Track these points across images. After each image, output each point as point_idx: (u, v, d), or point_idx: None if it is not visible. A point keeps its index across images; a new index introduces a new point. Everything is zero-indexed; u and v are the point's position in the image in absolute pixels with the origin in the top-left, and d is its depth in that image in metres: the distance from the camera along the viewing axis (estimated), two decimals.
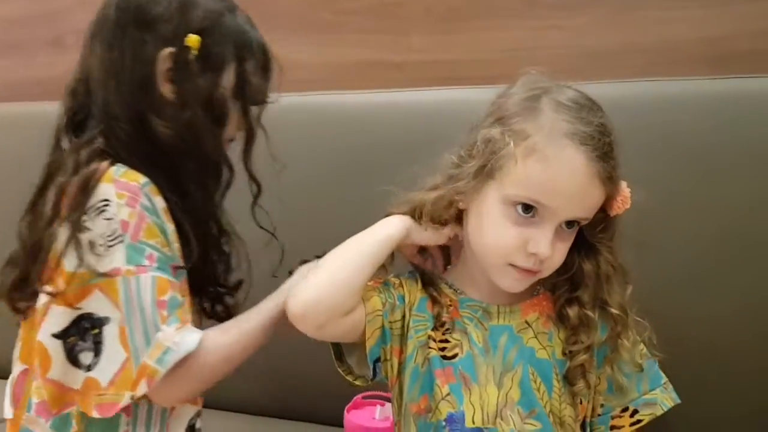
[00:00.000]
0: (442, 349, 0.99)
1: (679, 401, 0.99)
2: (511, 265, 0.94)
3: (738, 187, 1.16)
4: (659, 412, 0.99)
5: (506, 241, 0.93)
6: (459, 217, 1.01)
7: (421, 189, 1.01)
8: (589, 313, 0.98)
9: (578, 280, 1.00)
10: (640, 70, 1.27)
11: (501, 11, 1.37)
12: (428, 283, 1.02)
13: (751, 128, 1.16)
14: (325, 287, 0.93)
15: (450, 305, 1.01)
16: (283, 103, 1.29)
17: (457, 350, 0.98)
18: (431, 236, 1.02)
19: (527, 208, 0.92)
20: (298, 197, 1.27)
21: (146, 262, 0.90)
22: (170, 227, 0.95)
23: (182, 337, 0.90)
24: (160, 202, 0.94)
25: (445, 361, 0.98)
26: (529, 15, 1.36)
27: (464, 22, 1.39)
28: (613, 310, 0.98)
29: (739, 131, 1.16)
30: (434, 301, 1.01)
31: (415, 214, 1.01)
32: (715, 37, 1.29)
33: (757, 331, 1.16)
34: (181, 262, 0.96)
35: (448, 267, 1.07)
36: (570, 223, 0.95)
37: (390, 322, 0.98)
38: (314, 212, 1.31)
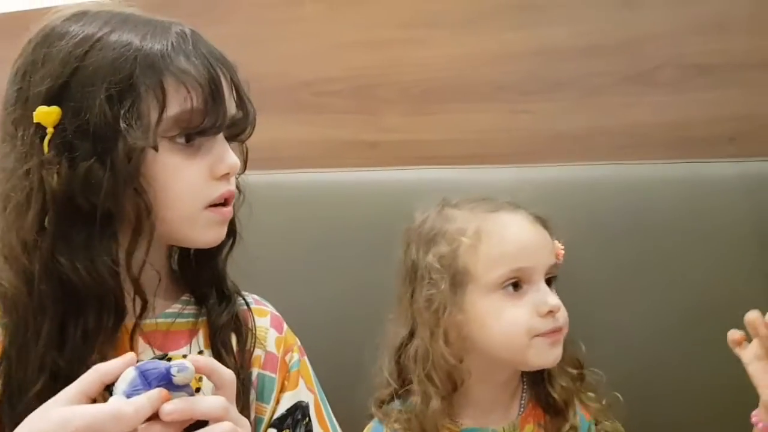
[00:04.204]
0: None
1: None
2: (537, 336, 0.97)
3: (692, 260, 1.21)
4: None
5: (519, 318, 0.97)
6: None
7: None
8: (563, 383, 1.03)
9: None
10: (607, 154, 1.33)
11: (472, 95, 1.43)
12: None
13: (702, 209, 1.21)
14: None
15: None
16: (264, 180, 1.34)
17: None
18: None
19: (515, 285, 0.98)
20: (274, 274, 1.28)
21: None
22: None
23: None
24: None
25: None
26: (499, 99, 1.41)
27: (437, 104, 1.44)
28: (569, 369, 1.04)
29: (693, 211, 1.21)
30: None
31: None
32: (672, 122, 1.35)
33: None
34: None
35: None
36: (548, 282, 1.00)
37: None
38: (288, 290, 1.30)
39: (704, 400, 1.14)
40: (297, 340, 0.96)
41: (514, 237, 1.00)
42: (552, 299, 0.97)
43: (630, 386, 1.08)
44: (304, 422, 0.90)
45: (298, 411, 0.90)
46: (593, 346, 1.08)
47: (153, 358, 0.77)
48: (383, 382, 1.06)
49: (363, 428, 1.08)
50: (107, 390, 0.70)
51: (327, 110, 1.49)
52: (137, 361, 0.71)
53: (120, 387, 0.69)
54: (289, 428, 0.89)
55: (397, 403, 1.04)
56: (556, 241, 1.04)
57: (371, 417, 1.07)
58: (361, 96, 1.48)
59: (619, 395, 1.04)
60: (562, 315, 0.99)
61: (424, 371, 1.00)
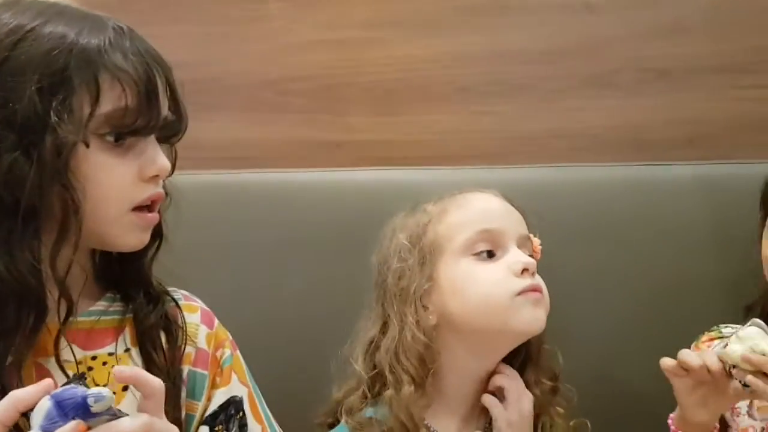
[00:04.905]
0: None
1: None
2: (519, 295, 0.96)
3: (650, 261, 1.24)
4: None
5: (495, 278, 0.97)
6: None
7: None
8: (537, 392, 1.03)
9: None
10: (567, 155, 1.36)
11: (435, 96, 1.44)
12: None
13: (660, 210, 1.25)
14: None
15: None
16: (226, 180, 1.33)
17: None
18: None
19: (488, 253, 0.98)
20: (237, 273, 1.28)
21: None
22: None
23: None
24: None
25: None
26: (461, 100, 1.43)
27: (401, 105, 1.45)
28: (545, 380, 1.03)
29: (651, 213, 1.25)
30: None
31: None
32: (630, 125, 1.38)
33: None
34: None
35: None
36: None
37: None
38: (251, 290, 1.29)
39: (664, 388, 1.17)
40: (228, 334, 0.95)
41: (478, 203, 1.02)
42: (522, 257, 0.97)
43: (595, 375, 1.13)
44: (238, 417, 0.89)
45: (231, 406, 0.89)
46: (558, 341, 1.08)
47: (68, 382, 0.72)
48: (353, 384, 1.04)
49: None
50: (25, 416, 0.67)
51: (291, 110, 1.48)
52: (65, 367, 0.70)
53: (36, 420, 0.66)
54: (222, 424, 0.88)
55: (370, 411, 1.02)
56: (533, 236, 1.04)
57: (327, 425, 1.06)
58: (326, 96, 1.47)
59: (587, 422, 1.05)
60: (542, 285, 0.99)
61: (396, 357, 0.98)
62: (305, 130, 1.48)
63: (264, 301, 1.25)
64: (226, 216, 1.28)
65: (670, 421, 1.02)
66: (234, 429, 0.88)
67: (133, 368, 0.78)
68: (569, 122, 1.39)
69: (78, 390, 0.67)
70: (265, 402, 0.95)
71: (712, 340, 1.07)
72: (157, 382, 0.72)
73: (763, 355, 0.89)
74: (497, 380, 1.02)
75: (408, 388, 0.97)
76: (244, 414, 0.90)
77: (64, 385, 0.69)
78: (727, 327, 1.07)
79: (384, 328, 1.02)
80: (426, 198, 1.07)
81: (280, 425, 0.95)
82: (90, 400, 0.66)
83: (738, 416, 1.06)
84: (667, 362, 0.95)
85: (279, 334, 1.16)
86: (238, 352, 0.94)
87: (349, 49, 1.47)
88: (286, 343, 1.20)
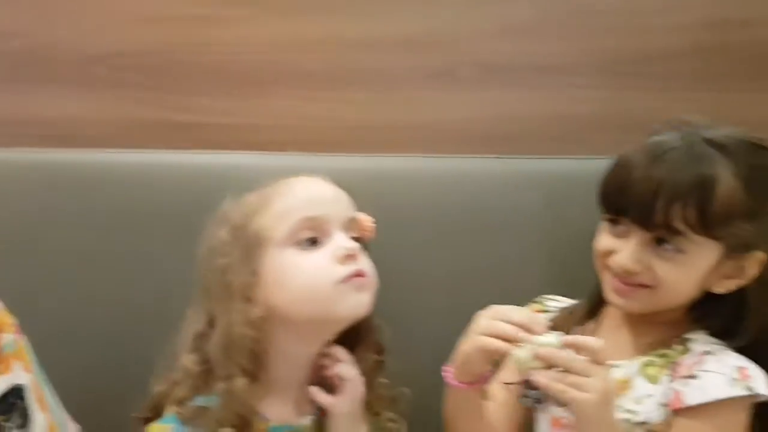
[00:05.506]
0: None
1: None
2: (342, 282, 0.95)
3: (482, 253, 1.27)
4: None
5: (317, 267, 0.96)
6: None
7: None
8: (361, 367, 1.03)
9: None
10: (403, 146, 1.37)
11: (279, 80, 1.41)
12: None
13: (492, 203, 1.28)
14: None
15: None
16: (59, 160, 1.25)
17: None
18: None
19: (312, 241, 0.97)
20: (63, 259, 1.22)
21: None
22: None
23: None
24: None
25: None
26: (304, 86, 1.41)
27: (242, 88, 1.42)
28: (370, 354, 1.04)
29: (482, 205, 1.27)
30: None
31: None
32: (470, 119, 1.41)
33: None
34: None
35: None
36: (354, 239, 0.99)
37: None
38: (79, 277, 1.24)
39: None
40: (12, 319, 0.89)
41: (301, 190, 1.00)
42: (344, 242, 0.96)
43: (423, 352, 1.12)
44: (20, 406, 0.85)
45: (12, 395, 0.85)
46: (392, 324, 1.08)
47: None
48: (178, 376, 1.00)
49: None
50: None
51: (126, 86, 1.42)
52: None
53: None
54: (2, 414, 0.83)
55: (200, 400, 0.98)
56: (364, 215, 1.03)
57: (145, 420, 1.01)
58: (164, 74, 1.42)
59: (407, 390, 1.06)
60: (365, 263, 0.99)
61: (226, 352, 0.96)
62: (140, 108, 1.42)
63: (90, 288, 1.19)
64: (55, 198, 1.21)
65: (447, 374, 1.00)
66: (15, 418, 0.84)
67: None
68: (410, 113, 1.40)
69: None
70: (53, 389, 0.91)
71: (536, 312, 1.09)
72: None
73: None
74: (335, 369, 1.02)
75: (241, 380, 0.96)
76: (26, 403, 0.85)
77: None
78: (551, 300, 1.11)
79: (211, 322, 1.00)
80: (254, 186, 1.04)
81: (95, 423, 0.90)
82: None
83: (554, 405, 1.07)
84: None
85: (95, 327, 1.09)
86: (23, 337, 0.89)
87: (193, 27, 1.42)
88: (101, 338, 1.14)
